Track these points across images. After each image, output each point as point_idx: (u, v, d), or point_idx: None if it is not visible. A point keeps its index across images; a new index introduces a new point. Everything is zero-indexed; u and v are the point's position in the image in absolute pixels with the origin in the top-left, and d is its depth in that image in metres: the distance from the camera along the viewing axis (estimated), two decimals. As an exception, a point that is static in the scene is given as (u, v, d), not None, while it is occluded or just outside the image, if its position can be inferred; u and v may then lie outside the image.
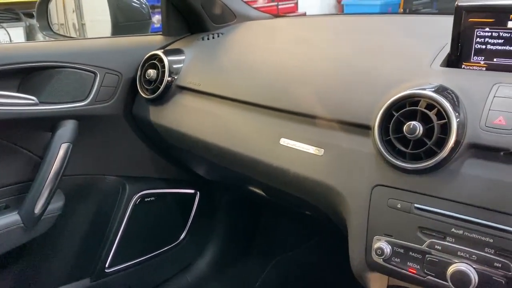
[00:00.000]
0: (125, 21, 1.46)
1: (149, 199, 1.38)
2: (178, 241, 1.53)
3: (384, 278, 0.78)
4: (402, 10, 6.09)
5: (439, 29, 0.89)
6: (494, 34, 0.76)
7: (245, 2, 1.41)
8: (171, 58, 1.19)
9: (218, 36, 1.28)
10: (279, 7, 5.84)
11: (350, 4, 6.31)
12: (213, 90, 1.07)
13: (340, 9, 6.58)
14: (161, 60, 1.19)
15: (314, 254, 1.71)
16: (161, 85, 1.16)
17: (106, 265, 1.36)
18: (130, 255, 1.41)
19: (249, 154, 0.95)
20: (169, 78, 1.16)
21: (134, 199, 1.34)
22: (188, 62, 1.19)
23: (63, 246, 1.29)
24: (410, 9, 6.24)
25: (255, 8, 1.43)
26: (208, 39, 1.28)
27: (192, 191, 1.51)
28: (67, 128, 1.12)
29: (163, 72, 1.17)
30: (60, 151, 1.10)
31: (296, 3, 6.20)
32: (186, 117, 1.12)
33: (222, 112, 1.03)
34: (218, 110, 1.04)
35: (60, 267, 1.30)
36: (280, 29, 1.27)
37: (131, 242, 1.38)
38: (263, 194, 1.19)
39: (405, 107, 0.71)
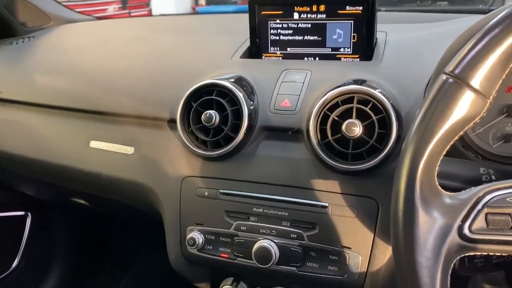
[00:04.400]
0: None
1: None
2: (10, 270, 1.36)
3: (206, 268, 0.79)
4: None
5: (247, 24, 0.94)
6: (284, 25, 0.83)
7: (60, 3, 1.32)
8: None
9: (28, 40, 1.17)
10: (132, 14, 5.66)
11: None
12: (17, 96, 0.97)
13: (195, 19, 6.62)
14: None
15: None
16: None
17: None
18: None
19: (59, 162, 0.88)
20: None
21: None
22: None
23: None
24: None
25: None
26: (17, 43, 1.16)
27: (21, 213, 1.35)
28: None
29: None
30: None
31: (150, 10, 6.08)
32: (-14, 130, 1.00)
33: (28, 120, 0.94)
34: (24, 118, 0.95)
35: None
36: (97, 30, 1.21)
37: None
38: (88, 204, 1.12)
39: (202, 97, 0.73)
